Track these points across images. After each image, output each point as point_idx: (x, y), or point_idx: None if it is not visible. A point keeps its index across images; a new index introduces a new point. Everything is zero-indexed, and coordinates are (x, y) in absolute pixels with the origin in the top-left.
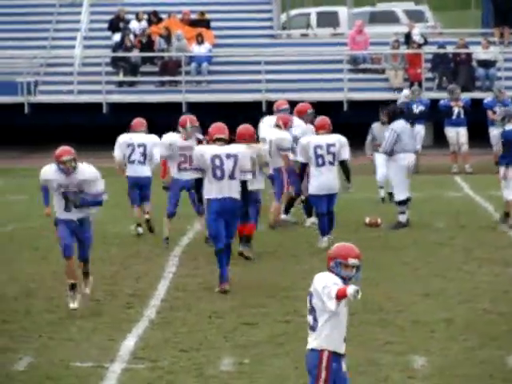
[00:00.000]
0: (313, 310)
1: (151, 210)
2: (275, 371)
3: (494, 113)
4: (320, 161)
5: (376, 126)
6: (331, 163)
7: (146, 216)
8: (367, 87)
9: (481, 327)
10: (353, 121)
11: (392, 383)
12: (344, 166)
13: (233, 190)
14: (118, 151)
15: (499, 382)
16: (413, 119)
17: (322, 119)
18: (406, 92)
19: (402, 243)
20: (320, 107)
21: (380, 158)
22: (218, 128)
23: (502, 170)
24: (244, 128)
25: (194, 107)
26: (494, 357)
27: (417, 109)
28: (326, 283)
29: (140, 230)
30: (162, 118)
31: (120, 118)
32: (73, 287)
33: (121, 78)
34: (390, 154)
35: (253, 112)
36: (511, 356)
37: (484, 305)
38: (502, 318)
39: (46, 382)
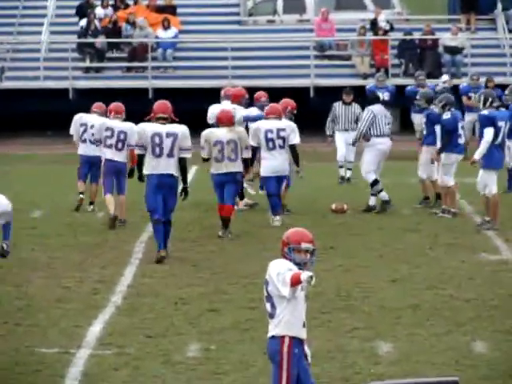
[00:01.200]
0: (270, 298)
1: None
2: (241, 357)
3: (469, 98)
4: (271, 145)
5: (337, 106)
6: (281, 147)
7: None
8: (333, 73)
9: (447, 313)
10: (319, 107)
11: (358, 369)
12: (293, 150)
13: (170, 167)
14: (73, 129)
15: (465, 368)
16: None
17: (272, 105)
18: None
19: (369, 229)
20: (286, 93)
21: (340, 139)
22: (161, 107)
23: (442, 155)
24: (223, 112)
25: (160, 93)
26: (460, 343)
27: (382, 95)
28: (279, 269)
29: (82, 196)
30: (128, 104)
31: (86, 103)
32: None
33: (87, 64)
34: (366, 136)
35: (219, 98)
36: (477, 342)
37: (450, 291)
38: (467, 305)
39: (12, 369)
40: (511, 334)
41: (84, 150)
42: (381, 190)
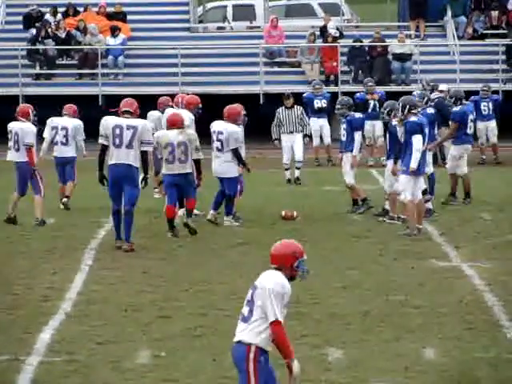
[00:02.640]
0: (251, 303)
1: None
2: (192, 364)
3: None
4: (213, 146)
5: (281, 110)
6: (219, 149)
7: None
8: (283, 80)
9: (396, 320)
10: (269, 113)
11: (307, 376)
12: (234, 153)
13: (130, 158)
14: (46, 132)
15: (414, 374)
16: (314, 114)
17: (227, 108)
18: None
19: (319, 236)
20: (236, 100)
21: (286, 141)
22: (127, 102)
23: (389, 164)
24: (174, 115)
25: (110, 100)
26: (410, 349)
27: (320, 103)
28: (279, 294)
29: (62, 205)
30: (78, 111)
31: (36, 110)
32: None
33: (37, 70)
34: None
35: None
36: (426, 349)
37: (400, 297)
38: (417, 311)
39: None
40: (460, 341)
41: (57, 151)
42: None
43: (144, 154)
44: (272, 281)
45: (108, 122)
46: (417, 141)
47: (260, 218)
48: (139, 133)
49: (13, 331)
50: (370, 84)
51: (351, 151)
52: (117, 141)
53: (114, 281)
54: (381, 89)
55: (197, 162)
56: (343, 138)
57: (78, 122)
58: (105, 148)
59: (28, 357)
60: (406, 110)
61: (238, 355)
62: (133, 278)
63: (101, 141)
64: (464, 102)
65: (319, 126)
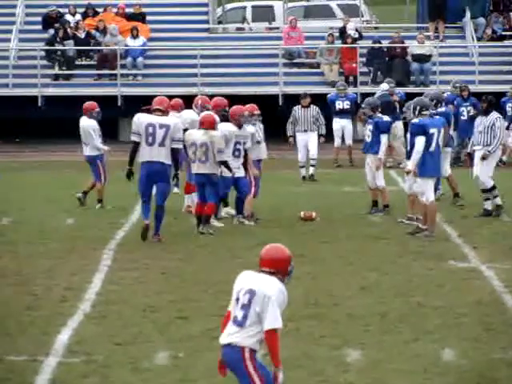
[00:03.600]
0: (247, 308)
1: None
2: (210, 364)
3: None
4: None
5: (297, 109)
6: None
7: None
8: (302, 81)
9: (415, 321)
10: (288, 114)
11: (326, 377)
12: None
13: (162, 156)
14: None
15: (433, 375)
16: (337, 114)
17: (234, 108)
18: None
19: (338, 237)
20: (256, 101)
21: (300, 140)
22: (158, 100)
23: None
24: (206, 116)
25: (129, 101)
26: (428, 350)
27: (343, 104)
28: (278, 302)
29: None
30: None
31: (55, 111)
32: None
33: (56, 71)
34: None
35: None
36: (445, 350)
37: (418, 298)
38: (435, 312)
39: None
40: (479, 342)
41: (83, 150)
42: (496, 196)
43: (175, 151)
44: (273, 288)
45: (141, 121)
46: (418, 143)
47: (278, 219)
48: (171, 131)
49: (31, 332)
50: (392, 85)
51: (374, 153)
52: (150, 139)
53: (132, 281)
54: (399, 90)
55: (223, 164)
56: (367, 139)
57: (89, 124)
58: (136, 145)
59: (46, 357)
60: (417, 111)
61: (232, 358)
62: (151, 278)
63: (133, 138)
64: (443, 105)
65: (341, 126)
